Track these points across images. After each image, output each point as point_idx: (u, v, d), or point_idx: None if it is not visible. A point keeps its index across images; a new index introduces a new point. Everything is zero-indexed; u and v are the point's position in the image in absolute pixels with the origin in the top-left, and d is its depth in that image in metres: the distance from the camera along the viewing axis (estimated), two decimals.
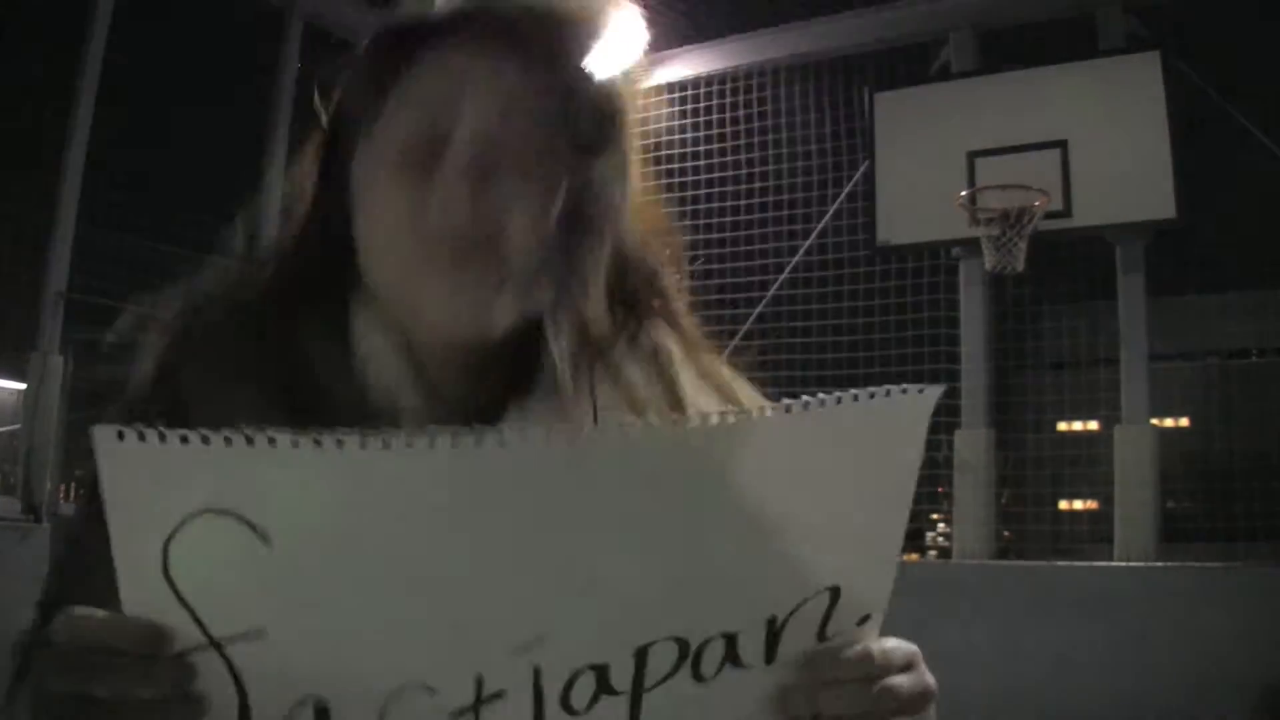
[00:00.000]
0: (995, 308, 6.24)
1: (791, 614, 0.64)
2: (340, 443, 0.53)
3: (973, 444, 6.07)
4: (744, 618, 0.64)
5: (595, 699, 0.61)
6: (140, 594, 0.55)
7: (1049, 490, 6.07)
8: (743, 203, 6.92)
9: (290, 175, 0.84)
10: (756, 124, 6.97)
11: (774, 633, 0.64)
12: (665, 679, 0.62)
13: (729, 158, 7.00)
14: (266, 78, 6.41)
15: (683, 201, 7.08)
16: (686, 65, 7.20)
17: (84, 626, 0.54)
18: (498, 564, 0.58)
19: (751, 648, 0.64)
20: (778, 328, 6.68)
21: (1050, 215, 5.65)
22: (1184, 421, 6.12)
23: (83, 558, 0.72)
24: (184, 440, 0.53)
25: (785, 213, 6.81)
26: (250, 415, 0.54)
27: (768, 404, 0.63)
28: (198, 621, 0.56)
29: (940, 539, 6.49)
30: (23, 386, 5.39)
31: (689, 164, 7.10)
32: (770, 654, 0.64)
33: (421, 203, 0.71)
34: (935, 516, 6.62)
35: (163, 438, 0.53)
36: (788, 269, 6.71)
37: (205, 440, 0.53)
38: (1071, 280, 6.09)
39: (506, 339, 0.74)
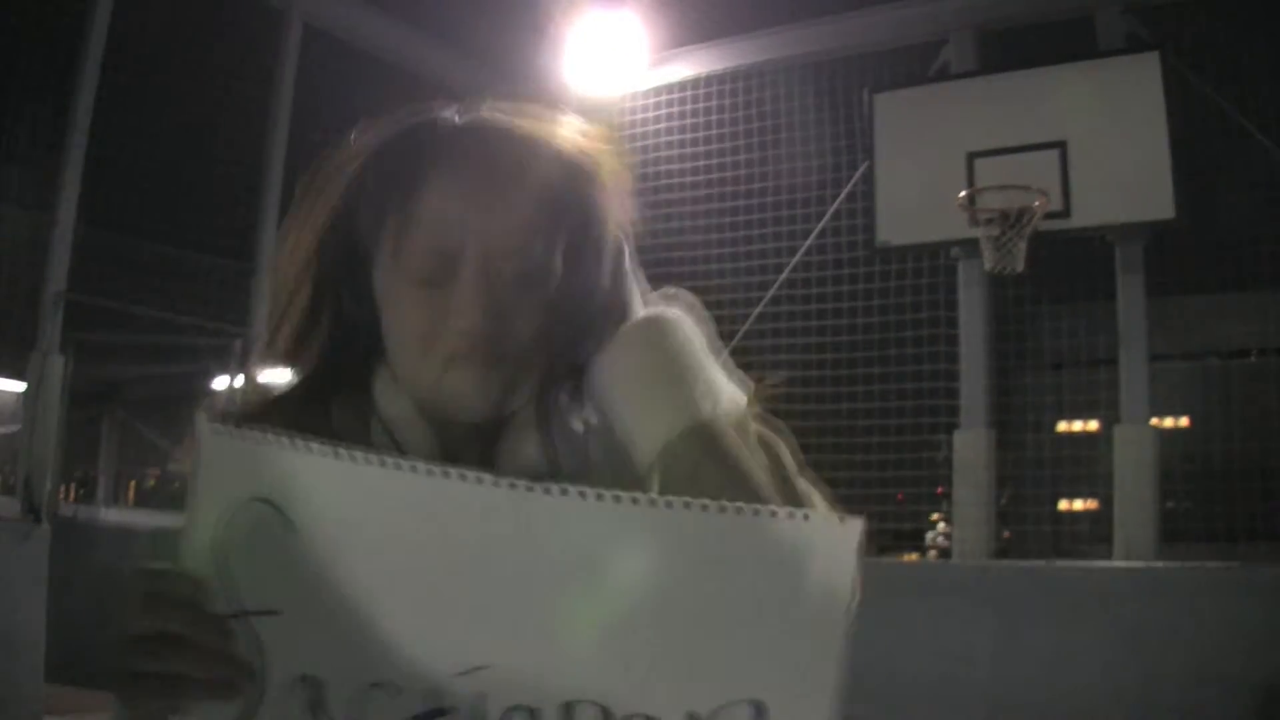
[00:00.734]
0: (995, 308, 6.24)
1: (712, 716, 0.68)
2: (368, 459, 0.68)
3: (972, 444, 6.07)
4: (666, 705, 0.68)
5: None
6: (194, 562, 0.70)
7: (1048, 490, 6.07)
8: (742, 203, 6.93)
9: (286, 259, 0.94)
10: (756, 124, 6.97)
11: None
12: None
13: (728, 158, 7.00)
14: (266, 78, 6.41)
15: (683, 202, 7.08)
16: (687, 65, 7.20)
17: (148, 579, 0.71)
18: (458, 592, 0.68)
19: None
20: (777, 328, 6.68)
21: (1050, 215, 5.66)
22: (1183, 421, 6.12)
23: None
24: (251, 432, 0.69)
25: (785, 213, 6.81)
26: None
27: (701, 501, 0.69)
28: (231, 591, 0.69)
29: (940, 539, 6.49)
30: (23, 387, 5.39)
31: (689, 164, 7.11)
32: None
33: (441, 310, 0.84)
34: (935, 517, 6.63)
35: (238, 429, 0.69)
36: (787, 269, 6.71)
37: (269, 437, 0.69)
38: (1071, 280, 6.09)
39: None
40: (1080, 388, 6.08)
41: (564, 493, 0.68)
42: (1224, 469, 5.62)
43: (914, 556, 6.67)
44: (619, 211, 0.91)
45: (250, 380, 0.97)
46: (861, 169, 6.47)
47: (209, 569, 0.69)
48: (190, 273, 6.09)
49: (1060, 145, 5.74)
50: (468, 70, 7.10)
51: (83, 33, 5.45)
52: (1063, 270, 6.04)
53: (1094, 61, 5.91)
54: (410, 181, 0.85)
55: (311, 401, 0.90)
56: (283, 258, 0.94)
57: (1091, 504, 6.09)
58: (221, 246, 6.23)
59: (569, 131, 0.90)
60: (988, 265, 5.75)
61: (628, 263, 0.92)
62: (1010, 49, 6.34)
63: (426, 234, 0.84)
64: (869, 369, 6.30)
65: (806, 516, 0.69)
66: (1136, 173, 5.61)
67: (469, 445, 0.87)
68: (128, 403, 8.93)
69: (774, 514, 0.68)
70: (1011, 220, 5.64)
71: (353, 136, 0.92)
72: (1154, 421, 5.78)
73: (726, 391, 0.86)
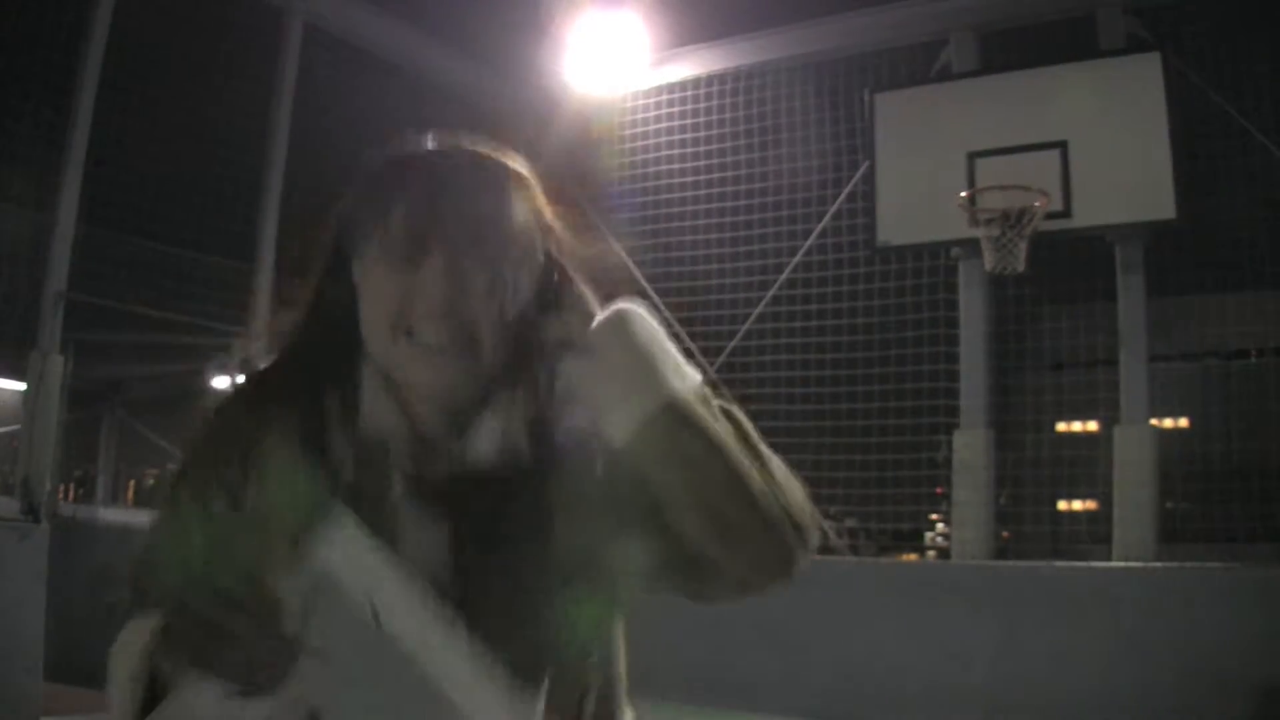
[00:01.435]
0: (995, 308, 6.24)
1: None
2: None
3: (972, 444, 6.07)
4: None
5: None
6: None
7: (1048, 490, 6.07)
8: (743, 203, 6.93)
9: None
10: (757, 124, 6.97)
11: None
12: None
13: (729, 158, 7.00)
14: (266, 77, 6.41)
15: (683, 201, 7.09)
16: (687, 65, 7.20)
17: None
18: None
19: None
20: (778, 328, 6.68)
21: (1050, 216, 5.66)
22: (1183, 422, 6.12)
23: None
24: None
25: (785, 213, 6.81)
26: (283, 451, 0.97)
27: None
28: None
29: (939, 539, 6.49)
30: (22, 386, 5.39)
31: (689, 164, 7.11)
32: None
33: (409, 293, 0.95)
34: (934, 517, 6.63)
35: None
36: (788, 269, 6.71)
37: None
38: (1071, 281, 6.09)
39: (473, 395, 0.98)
40: (1080, 388, 6.08)
41: None
42: (1223, 469, 5.62)
43: (913, 556, 6.67)
44: (556, 228, 1.03)
45: (249, 369, 1.07)
46: (862, 169, 6.47)
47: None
48: (190, 272, 6.09)
49: (1061, 145, 5.74)
50: (469, 70, 7.10)
51: (83, 33, 5.45)
52: (1063, 270, 6.04)
53: (1095, 62, 5.91)
54: (391, 190, 0.99)
55: (303, 389, 1.01)
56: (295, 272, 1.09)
57: (1091, 504, 6.09)
58: (221, 246, 6.23)
59: (514, 160, 1.04)
60: (988, 265, 5.75)
61: (571, 271, 1.03)
62: (1011, 49, 6.34)
63: (400, 225, 0.96)
64: (869, 369, 6.30)
65: None
66: (1137, 173, 5.61)
67: (444, 437, 0.98)
68: (127, 402, 8.93)
69: None
70: (1012, 220, 5.64)
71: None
72: (1153, 422, 5.78)
73: (690, 371, 0.96)
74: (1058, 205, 5.67)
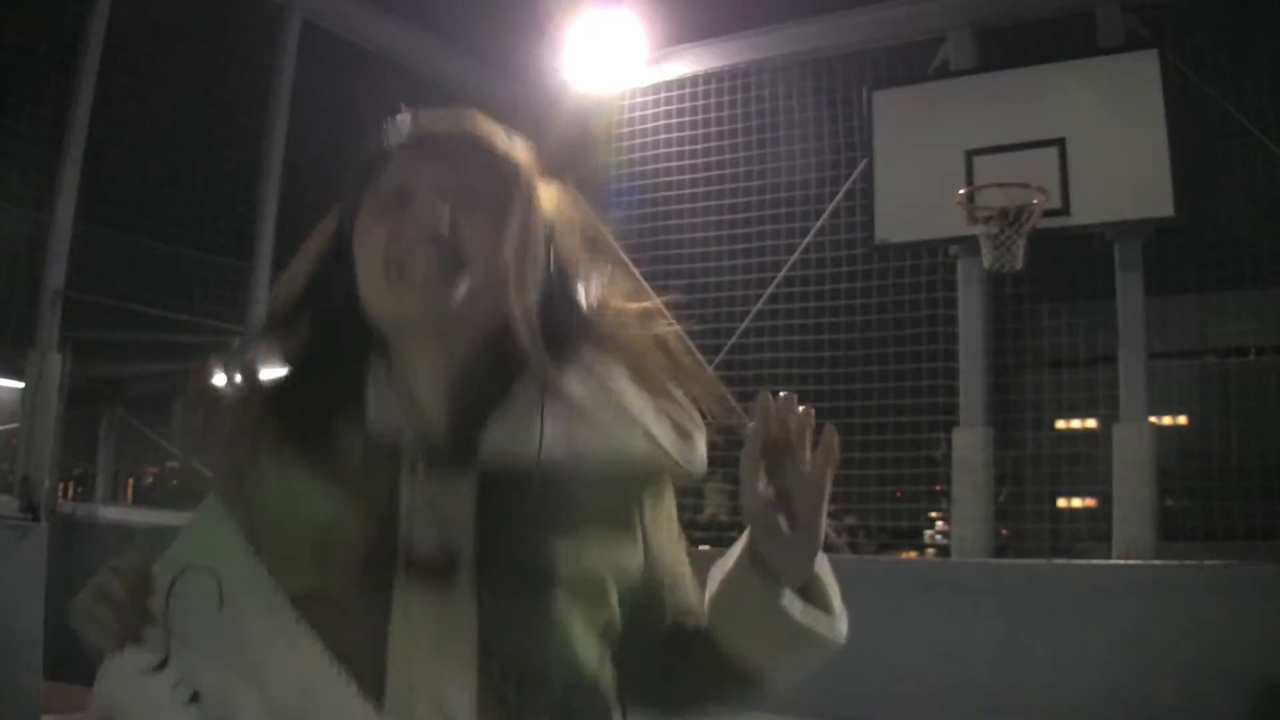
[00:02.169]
0: (994, 306, 6.24)
1: None
2: None
3: (971, 442, 6.07)
4: None
5: None
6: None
7: (1047, 488, 6.07)
8: (741, 200, 6.92)
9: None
10: (755, 122, 6.97)
11: None
12: None
13: (727, 155, 6.99)
14: (265, 75, 6.41)
15: (681, 199, 7.08)
16: (686, 63, 7.20)
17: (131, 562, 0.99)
18: None
19: None
20: (775, 325, 6.68)
21: (1049, 213, 5.66)
22: (1182, 420, 6.12)
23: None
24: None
25: (784, 210, 6.81)
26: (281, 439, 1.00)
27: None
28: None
29: (939, 537, 6.50)
30: (21, 384, 5.39)
31: (687, 161, 7.10)
32: None
33: (397, 229, 0.99)
34: (934, 515, 6.63)
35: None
36: (786, 267, 6.70)
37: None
38: (1070, 278, 6.09)
39: (479, 372, 1.00)
40: (1079, 386, 6.08)
41: None
42: (1223, 467, 5.62)
43: (913, 555, 6.67)
44: (546, 201, 1.07)
45: (249, 363, 1.10)
46: (860, 166, 6.47)
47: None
48: (189, 270, 6.09)
49: (1059, 143, 5.74)
50: (467, 67, 7.10)
51: (82, 32, 5.44)
52: (1062, 268, 6.05)
53: (1093, 59, 5.91)
54: (384, 158, 1.04)
55: (305, 385, 1.04)
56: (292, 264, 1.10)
57: (1090, 502, 6.09)
58: (221, 244, 6.23)
59: (504, 133, 1.08)
60: (987, 263, 5.75)
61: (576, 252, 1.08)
62: (1009, 46, 6.34)
63: (390, 175, 1.02)
64: (868, 367, 6.30)
65: None
66: (1136, 170, 5.61)
67: (453, 433, 0.99)
68: (126, 400, 8.92)
69: None
70: (1010, 218, 5.64)
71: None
72: (1153, 419, 5.78)
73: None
74: (1056, 203, 5.67)
